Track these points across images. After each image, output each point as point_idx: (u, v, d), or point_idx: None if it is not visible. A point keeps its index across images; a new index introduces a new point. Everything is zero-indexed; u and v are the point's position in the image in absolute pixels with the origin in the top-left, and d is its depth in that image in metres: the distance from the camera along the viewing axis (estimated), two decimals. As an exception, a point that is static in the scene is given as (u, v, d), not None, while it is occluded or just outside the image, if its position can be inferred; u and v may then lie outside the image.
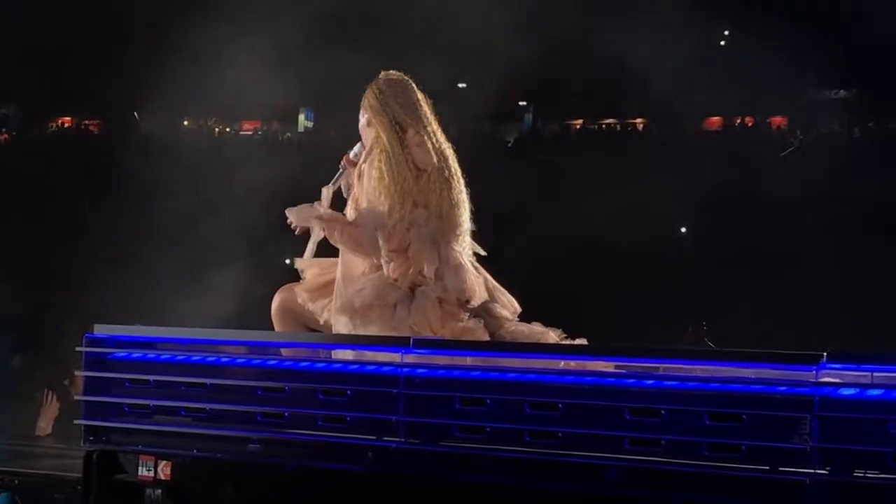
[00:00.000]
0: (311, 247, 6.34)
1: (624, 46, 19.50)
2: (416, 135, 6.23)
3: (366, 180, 6.24)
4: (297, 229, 6.38)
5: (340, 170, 6.45)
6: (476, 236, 6.41)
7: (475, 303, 6.16)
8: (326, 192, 6.37)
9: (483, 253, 6.41)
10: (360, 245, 6.14)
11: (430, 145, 6.24)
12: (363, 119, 6.41)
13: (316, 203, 6.33)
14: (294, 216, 6.33)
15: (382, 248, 6.12)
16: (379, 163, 6.19)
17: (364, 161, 6.31)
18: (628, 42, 19.39)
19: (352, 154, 6.45)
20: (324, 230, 6.23)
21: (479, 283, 6.23)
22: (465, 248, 6.30)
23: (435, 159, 6.23)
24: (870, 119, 23.40)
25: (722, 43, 24.58)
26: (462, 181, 6.33)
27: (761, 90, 22.46)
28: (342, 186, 6.46)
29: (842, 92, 24.26)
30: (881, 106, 23.10)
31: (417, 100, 6.36)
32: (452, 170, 6.31)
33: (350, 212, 6.32)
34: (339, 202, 6.44)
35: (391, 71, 6.45)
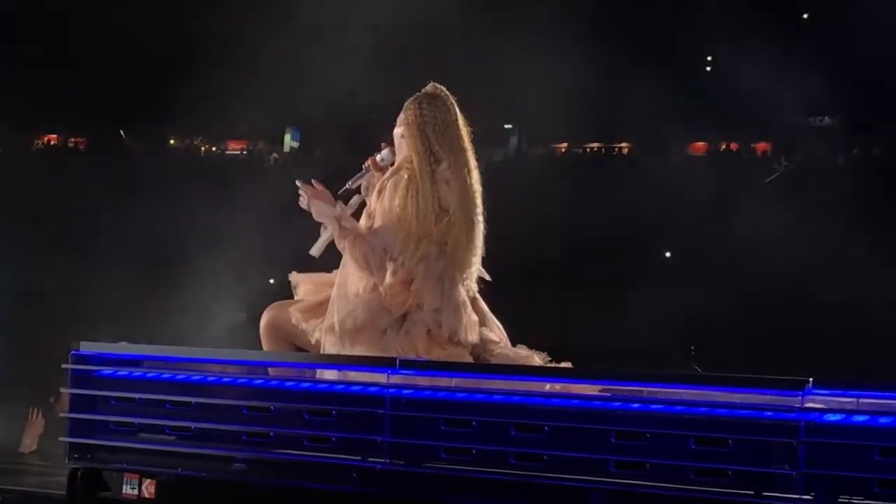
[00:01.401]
0: (320, 244, 6.24)
1: (611, 71, 19.55)
2: (448, 170, 6.10)
3: (386, 200, 6.11)
4: (306, 209, 6.25)
5: (363, 170, 6.34)
6: (483, 261, 6.35)
7: (465, 344, 6.12)
8: (356, 200, 6.29)
9: (487, 278, 6.36)
10: (367, 263, 6.04)
11: (457, 184, 6.11)
12: (400, 129, 6.25)
13: (340, 204, 6.22)
14: (315, 209, 6.19)
15: (388, 278, 6.05)
16: (404, 191, 6.06)
17: (389, 178, 6.18)
18: (615, 67, 19.44)
19: (378, 157, 6.32)
20: (336, 233, 6.17)
21: (474, 324, 6.17)
22: (471, 285, 6.25)
23: (460, 199, 6.11)
24: (853, 146, 23.47)
25: (708, 69, 24.64)
26: (483, 220, 6.24)
27: (746, 116, 22.50)
28: (361, 186, 6.37)
29: (826, 119, 24.31)
30: (865, 133, 23.18)
31: (458, 127, 6.20)
32: (478, 209, 6.21)
33: (364, 221, 6.24)
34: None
35: (438, 85, 6.28)
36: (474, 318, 6.18)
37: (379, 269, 6.04)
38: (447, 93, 6.29)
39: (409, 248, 6.04)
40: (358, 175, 6.38)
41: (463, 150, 6.20)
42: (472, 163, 6.23)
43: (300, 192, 6.26)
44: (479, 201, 6.23)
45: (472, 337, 6.13)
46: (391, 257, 6.03)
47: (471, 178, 6.20)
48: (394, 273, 6.04)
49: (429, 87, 6.31)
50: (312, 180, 6.28)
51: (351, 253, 6.10)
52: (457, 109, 6.26)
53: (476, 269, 6.26)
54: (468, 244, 6.16)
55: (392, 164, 6.31)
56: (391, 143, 6.34)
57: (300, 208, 6.30)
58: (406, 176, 6.11)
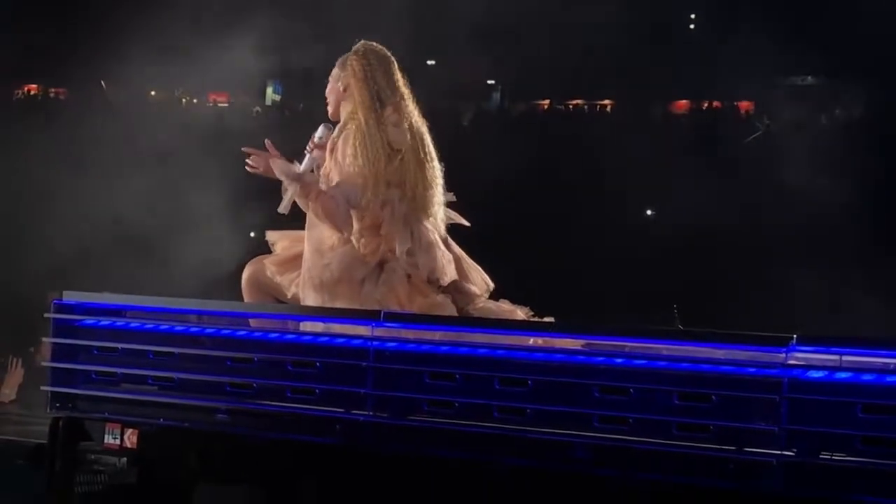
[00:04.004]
0: (286, 201, 6.27)
1: (593, 28, 19.51)
2: (394, 113, 6.22)
3: (339, 156, 6.21)
4: (260, 169, 6.30)
5: (307, 153, 6.37)
6: (457, 207, 6.41)
7: (445, 282, 6.17)
8: (308, 157, 6.32)
9: (466, 223, 6.42)
10: (334, 216, 6.10)
11: (405, 125, 6.23)
12: (339, 84, 6.37)
13: (296, 162, 6.29)
14: (276, 167, 6.23)
15: (355, 225, 6.11)
16: (354, 140, 6.17)
17: (338, 135, 6.28)
18: (598, 23, 19.40)
19: (315, 137, 6.36)
20: (298, 191, 6.19)
21: (449, 261, 6.23)
22: (439, 226, 6.30)
23: (409, 139, 6.22)
24: (836, 107, 23.50)
25: (691, 26, 24.60)
26: (436, 161, 6.33)
27: (729, 75, 22.49)
28: (314, 170, 6.39)
29: (809, 79, 24.31)
30: (848, 94, 23.20)
31: (398, 77, 6.35)
32: (427, 150, 6.31)
33: (322, 186, 6.28)
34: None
35: (373, 43, 6.43)
36: (448, 255, 6.24)
37: (345, 220, 6.12)
38: (384, 49, 6.42)
39: (369, 189, 6.10)
40: (305, 162, 6.36)
41: (404, 95, 6.33)
42: (417, 112, 6.35)
43: (248, 160, 6.29)
44: (429, 144, 6.32)
45: (451, 273, 6.18)
46: (354, 205, 6.06)
47: (415, 121, 6.31)
48: (360, 220, 6.12)
49: (359, 44, 6.42)
50: (266, 141, 6.30)
51: (314, 209, 6.17)
52: (395, 62, 6.39)
53: (439, 209, 6.29)
54: (424, 184, 6.23)
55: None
56: (326, 120, 6.43)
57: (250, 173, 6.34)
58: (353, 127, 6.22)
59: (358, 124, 6.21)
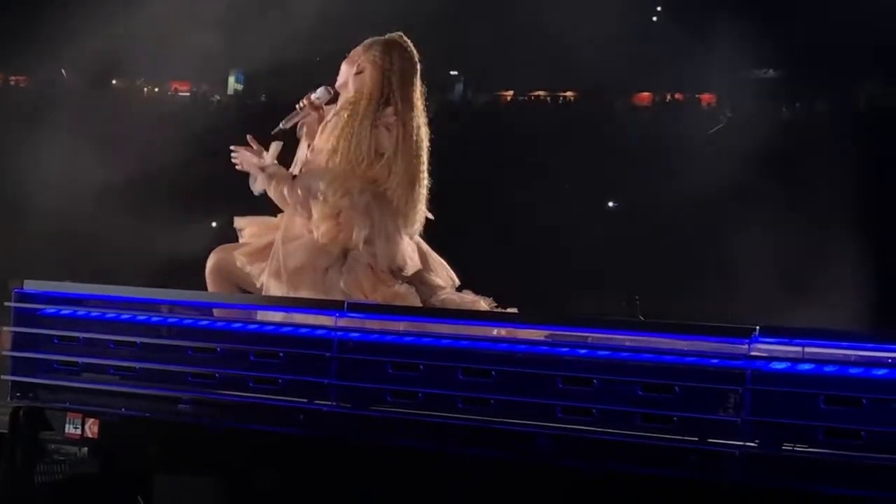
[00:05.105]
0: (258, 186, 6.27)
1: (556, 19, 19.54)
2: (392, 116, 6.15)
3: (322, 142, 6.19)
4: (243, 166, 6.31)
5: (298, 108, 6.35)
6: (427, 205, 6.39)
7: (408, 271, 6.15)
8: (275, 147, 6.30)
9: (429, 216, 6.39)
10: (292, 203, 6.14)
11: (400, 133, 6.14)
12: (354, 66, 6.27)
13: (263, 153, 6.27)
14: (240, 159, 6.28)
15: (314, 213, 6.09)
16: (340, 132, 6.13)
17: (331, 118, 6.24)
18: (561, 15, 19.42)
19: (313, 96, 6.34)
20: (262, 180, 6.19)
21: (413, 251, 6.21)
22: (412, 232, 6.27)
23: (401, 149, 6.13)
24: (797, 99, 23.64)
25: (654, 19, 24.66)
26: (426, 178, 6.26)
27: (692, 67, 22.56)
28: (298, 125, 6.37)
29: (770, 72, 24.40)
30: (808, 87, 23.32)
31: (416, 87, 6.26)
32: (422, 166, 6.24)
33: (304, 155, 6.29)
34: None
35: (408, 42, 6.31)
36: (412, 245, 6.25)
37: (302, 207, 6.10)
38: (413, 48, 6.32)
39: (334, 185, 6.06)
40: (292, 115, 6.39)
41: (415, 106, 6.25)
42: (422, 119, 6.27)
43: (234, 157, 6.29)
44: (423, 157, 6.25)
45: (413, 263, 6.18)
46: (313, 196, 6.07)
47: (418, 133, 6.22)
48: (322, 207, 6.08)
49: (396, 36, 6.33)
50: (249, 136, 6.31)
51: (276, 196, 6.18)
52: (418, 67, 6.29)
53: (419, 226, 6.28)
54: (409, 199, 6.19)
55: (328, 102, 6.37)
56: (327, 83, 6.37)
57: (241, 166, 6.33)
58: (346, 116, 6.16)
59: (351, 113, 6.15)
